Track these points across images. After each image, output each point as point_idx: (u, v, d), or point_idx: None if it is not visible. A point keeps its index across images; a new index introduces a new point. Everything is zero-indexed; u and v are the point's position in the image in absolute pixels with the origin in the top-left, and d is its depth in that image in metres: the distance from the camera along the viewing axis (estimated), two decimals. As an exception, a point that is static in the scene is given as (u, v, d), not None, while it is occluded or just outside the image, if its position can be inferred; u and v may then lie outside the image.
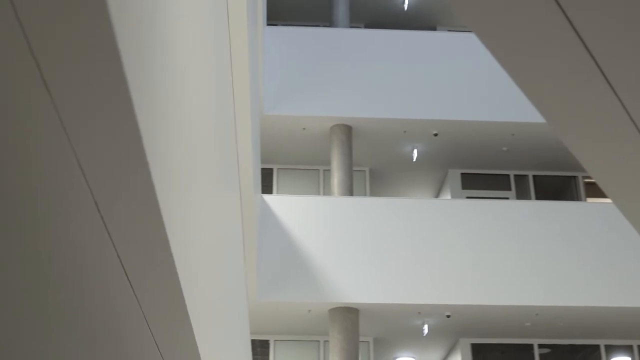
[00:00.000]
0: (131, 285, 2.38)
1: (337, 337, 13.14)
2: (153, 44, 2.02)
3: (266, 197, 13.99)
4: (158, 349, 2.95)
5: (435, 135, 15.04)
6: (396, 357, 16.41)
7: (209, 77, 3.40)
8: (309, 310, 13.59)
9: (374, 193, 16.30)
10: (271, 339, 14.85)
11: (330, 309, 13.35)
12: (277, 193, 15.71)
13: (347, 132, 14.82)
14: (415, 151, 15.58)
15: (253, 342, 14.82)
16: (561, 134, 3.36)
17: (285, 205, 13.99)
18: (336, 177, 14.47)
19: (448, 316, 13.64)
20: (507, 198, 15.72)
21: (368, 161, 16.10)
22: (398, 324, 14.21)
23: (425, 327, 14.08)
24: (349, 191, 14.32)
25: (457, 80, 15.08)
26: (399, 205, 14.13)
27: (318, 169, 16.05)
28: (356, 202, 14.11)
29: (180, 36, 2.49)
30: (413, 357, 16.44)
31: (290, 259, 13.39)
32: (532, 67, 3.05)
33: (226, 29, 4.52)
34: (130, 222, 2.14)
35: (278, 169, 16.26)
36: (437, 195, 17.09)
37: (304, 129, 15.04)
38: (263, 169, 16.03)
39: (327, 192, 15.62)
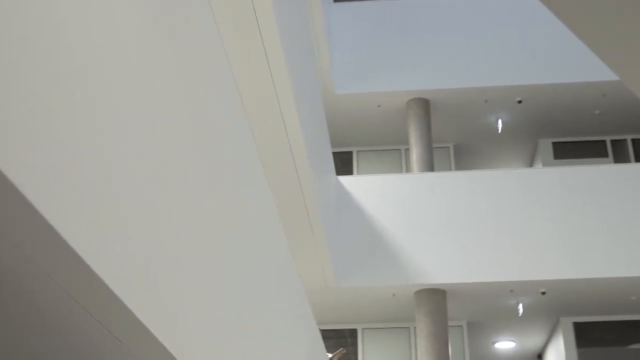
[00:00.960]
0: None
1: (424, 321, 12.41)
2: None
3: (342, 178, 13.38)
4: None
5: (519, 102, 14.09)
6: (495, 342, 15.52)
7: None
8: (394, 295, 12.90)
9: (460, 170, 15.45)
10: (359, 327, 14.24)
11: (415, 291, 12.64)
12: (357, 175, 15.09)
13: (424, 106, 14.07)
14: (499, 122, 14.66)
15: (342, 331, 14.28)
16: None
17: (362, 186, 13.35)
18: (415, 153, 13.74)
19: (543, 293, 12.67)
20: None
21: (451, 136, 15.29)
22: (490, 304, 13.35)
23: (520, 306, 13.16)
24: (429, 167, 13.57)
25: (537, 42, 14.09)
26: (482, 177, 13.26)
27: (399, 149, 15.33)
28: (437, 177, 13.33)
29: None
30: (513, 341, 15.51)
31: (371, 241, 12.75)
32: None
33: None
34: None
35: (358, 151, 15.64)
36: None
37: (379, 106, 14.37)
38: (342, 153, 15.49)
39: (410, 171, 14.87)
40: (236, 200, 4.28)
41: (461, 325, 14.02)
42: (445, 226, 12.70)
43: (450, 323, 13.61)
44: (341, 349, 10.79)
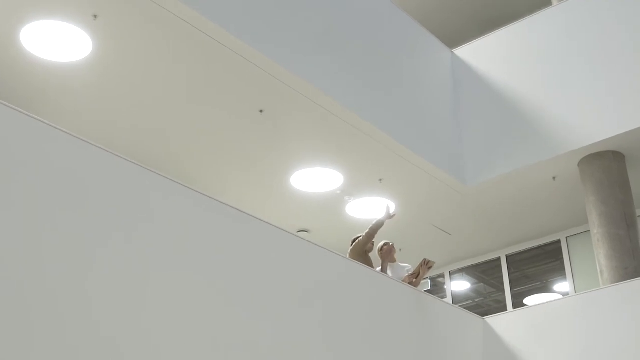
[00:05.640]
0: None
1: (591, 200, 8.68)
2: None
3: (460, 51, 10.18)
4: None
5: None
6: None
7: None
8: (554, 178, 9.28)
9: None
10: (562, 237, 10.64)
11: (579, 161, 8.92)
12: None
13: None
14: None
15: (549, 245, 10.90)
16: None
17: (485, 52, 10.04)
18: (551, -14, 10.07)
19: None
20: None
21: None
22: None
23: None
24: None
25: None
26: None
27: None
28: (576, 3, 9.46)
29: None
30: None
31: (505, 116, 9.43)
32: None
33: None
34: None
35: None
36: None
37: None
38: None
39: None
40: None
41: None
42: (599, 65, 8.90)
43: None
44: (425, 259, 7.80)
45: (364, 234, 7.67)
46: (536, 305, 8.87)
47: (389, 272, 7.81)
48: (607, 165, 8.70)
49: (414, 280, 7.78)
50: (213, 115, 7.95)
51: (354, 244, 7.70)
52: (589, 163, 8.80)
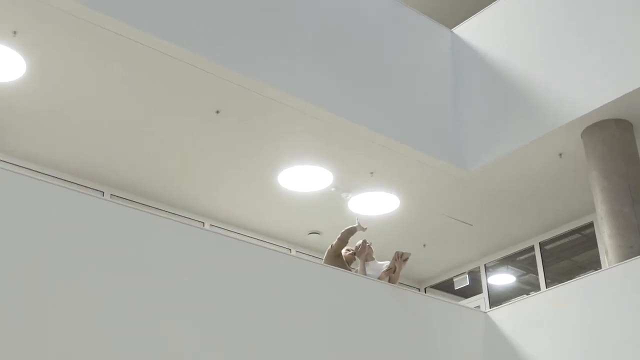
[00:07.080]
0: None
1: (593, 174, 7.95)
2: None
3: (458, 30, 9.62)
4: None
5: None
6: None
7: None
8: (560, 155, 8.56)
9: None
10: (594, 218, 9.83)
11: (582, 133, 8.17)
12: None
13: None
14: None
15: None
16: None
17: (480, 29, 9.45)
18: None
19: None
20: None
21: None
22: None
23: None
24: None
25: None
26: None
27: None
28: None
29: None
30: None
31: (503, 90, 8.84)
32: None
33: None
34: None
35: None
36: None
37: None
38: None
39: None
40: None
41: None
42: (596, 26, 8.21)
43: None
44: (397, 252, 7.38)
45: (336, 240, 7.47)
46: (538, 293, 8.19)
47: (367, 271, 7.43)
48: (609, 134, 7.94)
49: (392, 275, 7.36)
50: (182, 125, 7.84)
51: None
52: (591, 134, 8.07)
